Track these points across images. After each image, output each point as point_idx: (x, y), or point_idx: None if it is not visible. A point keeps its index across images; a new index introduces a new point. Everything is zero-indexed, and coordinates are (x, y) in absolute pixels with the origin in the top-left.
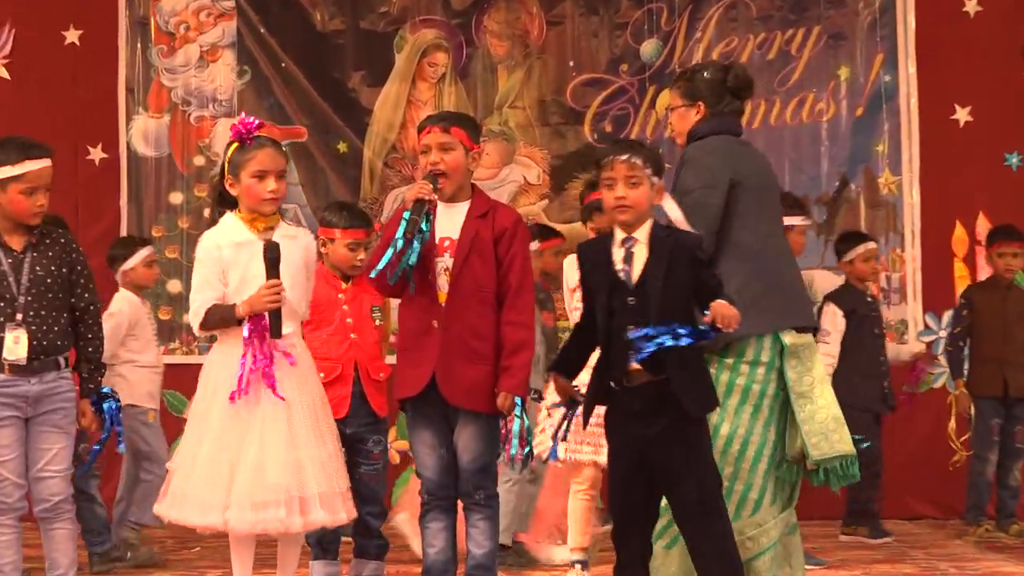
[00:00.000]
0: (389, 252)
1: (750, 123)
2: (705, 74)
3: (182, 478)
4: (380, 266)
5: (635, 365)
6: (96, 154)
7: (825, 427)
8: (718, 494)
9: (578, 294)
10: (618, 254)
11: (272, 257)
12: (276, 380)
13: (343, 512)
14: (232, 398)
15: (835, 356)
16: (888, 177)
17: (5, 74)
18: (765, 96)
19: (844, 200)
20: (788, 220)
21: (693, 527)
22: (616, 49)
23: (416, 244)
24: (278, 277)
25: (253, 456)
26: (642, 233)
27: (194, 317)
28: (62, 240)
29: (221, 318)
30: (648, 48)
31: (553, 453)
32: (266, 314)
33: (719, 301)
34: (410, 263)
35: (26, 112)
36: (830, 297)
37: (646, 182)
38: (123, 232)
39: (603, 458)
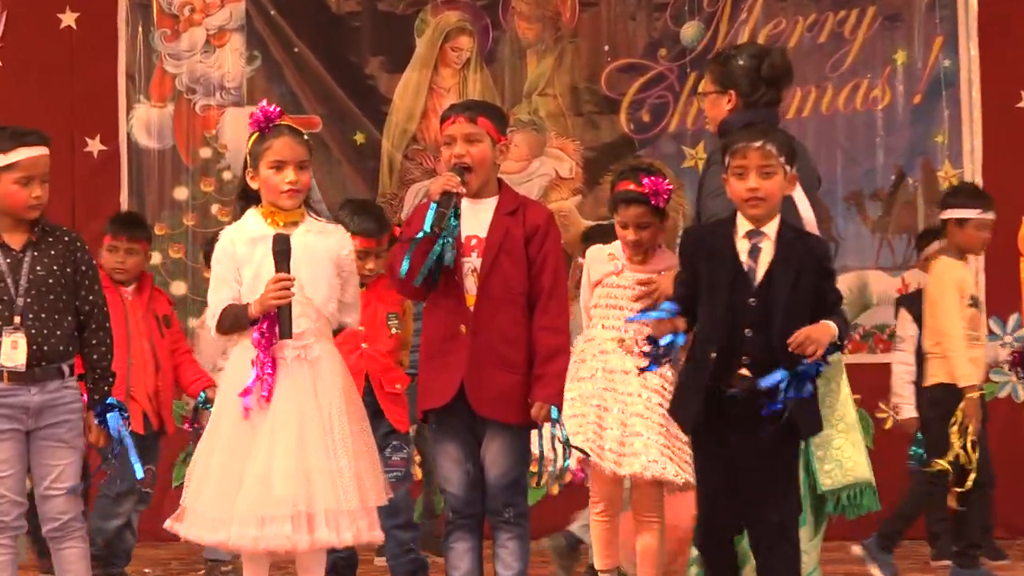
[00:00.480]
0: (412, 245)
1: (800, 111)
2: (739, 60)
3: (194, 492)
4: (407, 266)
5: (744, 371)
6: (94, 146)
7: (841, 454)
8: (796, 521)
9: (599, 291)
10: (742, 246)
11: (280, 249)
12: (273, 389)
13: (348, 532)
14: (246, 411)
15: (911, 364)
16: (948, 170)
17: None
18: (816, 82)
19: (901, 195)
20: (960, 213)
21: (769, 550)
22: (655, 32)
23: (449, 240)
24: (287, 271)
25: (259, 466)
26: (771, 229)
27: (211, 319)
28: (66, 238)
29: (235, 318)
30: (689, 31)
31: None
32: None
33: (807, 329)
34: (444, 261)
35: (19, 101)
36: (902, 301)
37: (780, 172)
38: None
39: (624, 469)
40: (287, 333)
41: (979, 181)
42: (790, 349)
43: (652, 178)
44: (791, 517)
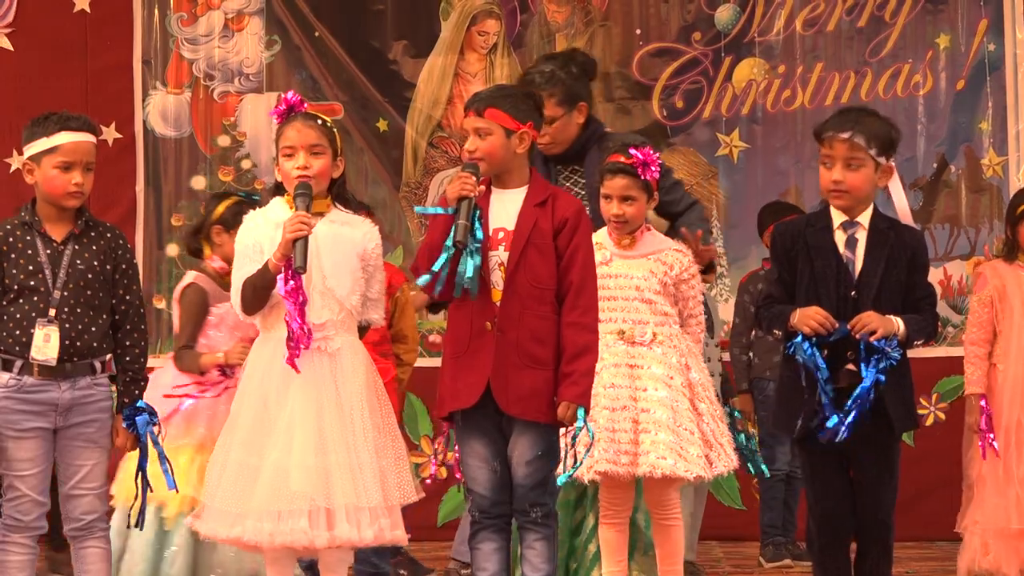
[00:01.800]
0: (442, 259)
1: (838, 97)
2: (573, 69)
3: (211, 488)
4: (428, 277)
5: (851, 366)
6: (110, 134)
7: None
8: (892, 515)
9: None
10: (839, 237)
11: (300, 193)
12: (307, 343)
13: (369, 530)
14: (292, 364)
15: None
16: (993, 158)
17: (8, 44)
18: (855, 68)
19: (943, 184)
20: None
21: (873, 542)
22: (688, 15)
23: (473, 250)
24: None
25: (277, 461)
26: (864, 219)
27: (235, 295)
28: (108, 234)
29: (257, 279)
30: (724, 14)
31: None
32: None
33: (866, 313)
34: (468, 275)
35: (31, 87)
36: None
37: (869, 164)
38: (139, 220)
39: (640, 469)
40: (303, 265)
41: None
42: (852, 329)
43: (642, 150)
44: (889, 512)
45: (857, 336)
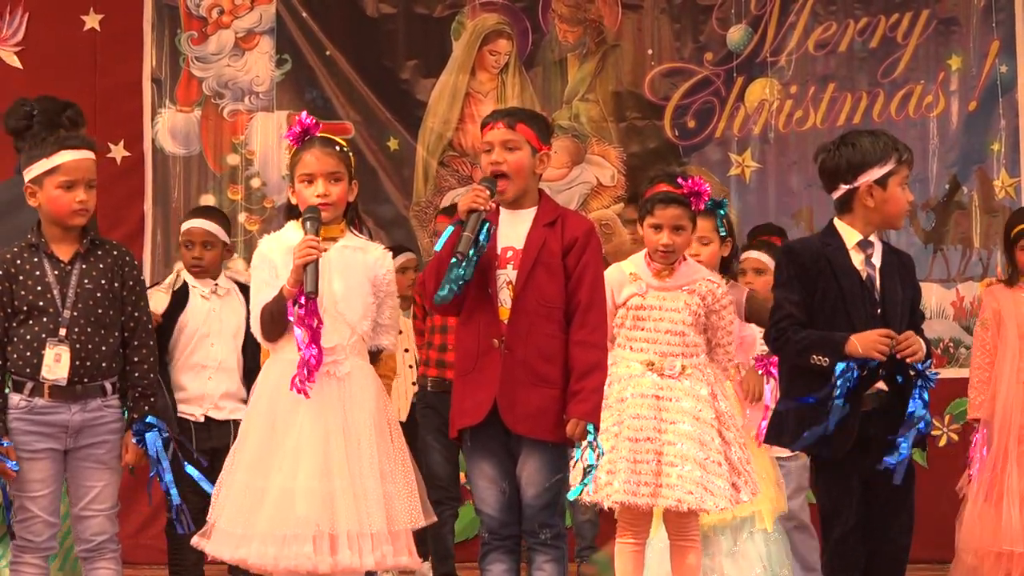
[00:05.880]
0: (454, 272)
1: (850, 118)
2: None
3: (219, 508)
4: (445, 291)
5: (881, 385)
6: (118, 152)
7: None
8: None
9: (624, 312)
10: (856, 257)
11: (309, 217)
12: (316, 369)
13: (371, 556)
14: (303, 391)
15: None
16: (1005, 179)
17: (17, 63)
18: (867, 88)
19: (955, 205)
20: None
21: (892, 565)
22: (700, 36)
23: (475, 259)
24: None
25: (282, 484)
26: (876, 239)
27: (254, 322)
28: (115, 252)
29: (273, 307)
30: (736, 35)
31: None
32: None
33: (909, 333)
34: (465, 279)
35: None
36: None
37: None
38: (147, 238)
39: (661, 501)
40: (314, 290)
41: None
42: (897, 347)
43: (691, 179)
44: (910, 537)
45: (909, 361)
